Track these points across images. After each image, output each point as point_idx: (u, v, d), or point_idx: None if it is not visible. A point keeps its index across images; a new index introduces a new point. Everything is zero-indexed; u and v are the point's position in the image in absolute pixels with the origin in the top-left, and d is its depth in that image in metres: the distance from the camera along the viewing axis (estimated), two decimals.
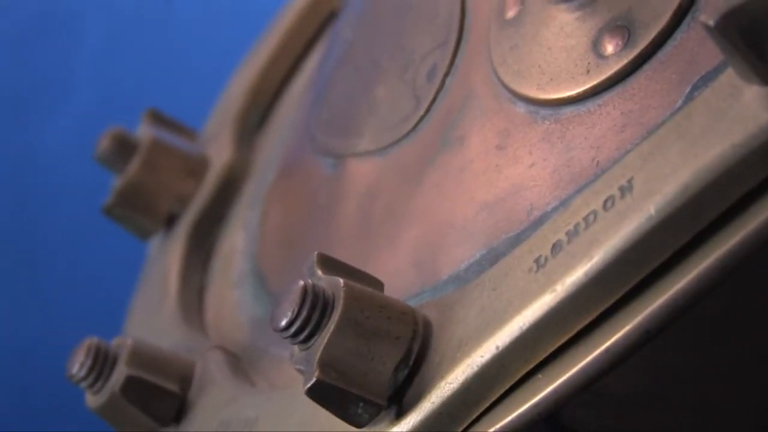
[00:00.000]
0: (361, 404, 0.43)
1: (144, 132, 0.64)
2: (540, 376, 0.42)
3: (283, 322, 0.43)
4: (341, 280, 0.43)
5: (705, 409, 0.46)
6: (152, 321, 0.60)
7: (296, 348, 0.44)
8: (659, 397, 0.45)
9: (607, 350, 0.40)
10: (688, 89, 0.42)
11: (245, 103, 0.66)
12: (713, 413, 0.47)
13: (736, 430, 0.48)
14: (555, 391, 0.41)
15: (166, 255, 0.62)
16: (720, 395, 0.47)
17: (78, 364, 0.53)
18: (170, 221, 0.64)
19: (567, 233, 0.41)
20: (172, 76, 1.17)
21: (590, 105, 0.46)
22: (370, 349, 0.43)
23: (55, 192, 1.12)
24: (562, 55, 0.46)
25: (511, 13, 0.48)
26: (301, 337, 0.43)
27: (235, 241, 0.61)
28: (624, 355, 0.40)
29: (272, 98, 0.68)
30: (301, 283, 0.43)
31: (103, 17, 1.27)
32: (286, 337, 0.43)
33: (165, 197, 0.63)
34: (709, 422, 0.47)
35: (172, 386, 0.53)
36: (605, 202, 0.41)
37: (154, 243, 0.65)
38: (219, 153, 0.64)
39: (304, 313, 0.43)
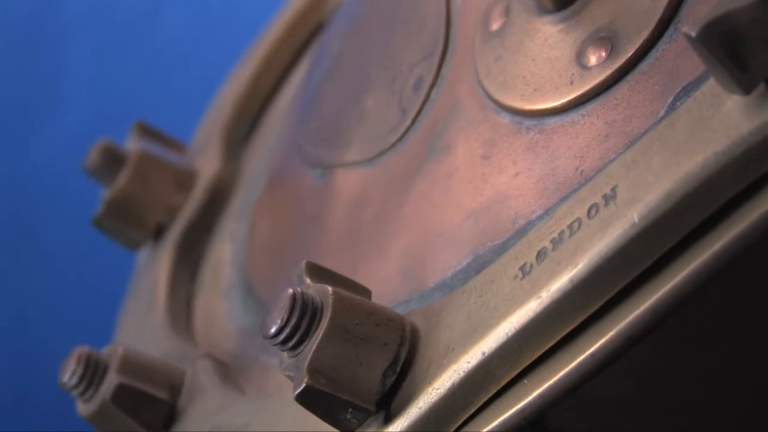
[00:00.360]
0: (350, 409, 0.43)
1: (132, 145, 0.64)
2: (526, 381, 0.42)
3: (273, 329, 0.43)
4: (330, 288, 0.43)
5: (691, 414, 0.46)
6: (141, 330, 0.60)
7: (285, 355, 0.44)
8: (645, 401, 0.45)
9: (591, 355, 0.40)
10: (670, 99, 0.42)
11: (233, 115, 0.66)
12: (699, 417, 0.47)
13: None
14: (540, 395, 0.41)
15: (155, 265, 0.62)
16: (706, 400, 0.47)
17: (69, 373, 0.53)
18: (159, 232, 0.64)
19: (552, 241, 0.42)
20: (162, 88, 1.17)
21: (574, 115, 0.46)
22: (358, 355, 0.43)
23: (46, 204, 1.12)
24: (546, 66, 0.46)
25: (495, 26, 0.48)
26: (291, 343, 0.43)
27: (223, 252, 0.61)
28: (608, 360, 0.40)
29: (260, 110, 0.68)
30: (290, 290, 0.43)
31: (93, 31, 1.27)
32: (276, 344, 0.43)
33: (153, 209, 0.63)
34: (696, 426, 0.47)
35: (162, 394, 0.53)
36: (589, 210, 0.41)
37: (143, 254, 0.65)
38: (207, 165, 0.64)
39: (294, 320, 0.43)
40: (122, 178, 0.63)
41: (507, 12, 0.48)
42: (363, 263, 0.50)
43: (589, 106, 0.45)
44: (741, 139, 0.38)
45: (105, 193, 0.64)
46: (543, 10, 0.46)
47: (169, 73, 1.17)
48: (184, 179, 0.64)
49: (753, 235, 0.39)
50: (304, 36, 0.69)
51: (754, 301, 0.43)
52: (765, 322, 0.44)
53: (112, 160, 0.64)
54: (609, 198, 0.41)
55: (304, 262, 0.45)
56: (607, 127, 0.45)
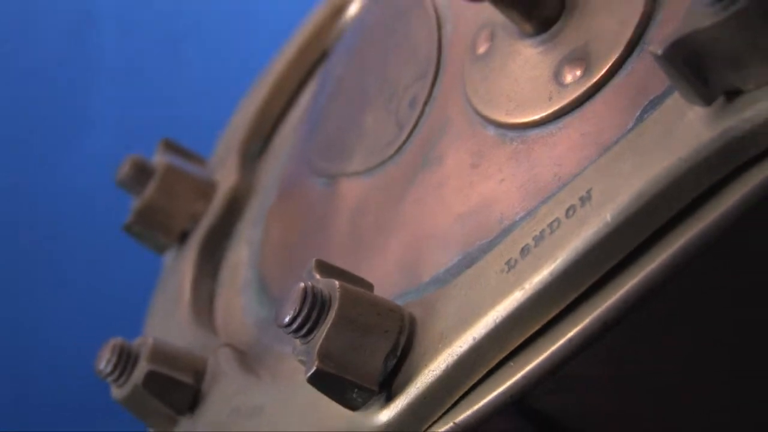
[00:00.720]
0: (356, 390, 0.43)
1: (159, 159, 0.64)
2: (512, 363, 0.41)
3: (287, 319, 0.43)
4: (337, 282, 0.43)
5: (664, 395, 0.46)
6: (168, 324, 0.60)
7: (298, 342, 0.43)
8: (620, 383, 0.45)
9: (569, 340, 0.40)
10: (638, 112, 0.42)
11: (248, 133, 0.66)
12: (672, 398, 0.46)
13: (700, 414, 0.47)
14: (524, 377, 0.41)
15: (180, 267, 0.62)
16: (677, 382, 0.46)
17: (105, 361, 0.53)
18: (183, 237, 0.63)
19: (534, 238, 0.41)
20: (183, 109, 1.17)
21: (552, 128, 0.45)
22: (362, 342, 0.43)
23: (83, 213, 1.12)
24: (527, 84, 0.46)
25: (482, 49, 0.48)
26: (303, 332, 0.43)
27: (241, 254, 0.61)
28: (584, 344, 0.40)
29: (272, 129, 0.67)
30: (302, 284, 0.43)
31: (121, 56, 1.26)
32: (289, 333, 0.43)
33: (178, 216, 0.63)
34: (670, 406, 0.47)
35: (188, 379, 0.53)
36: (567, 210, 0.41)
37: (169, 256, 0.65)
38: (225, 177, 0.64)
39: (305, 310, 0.43)
40: (150, 188, 0.63)
41: (492, 37, 0.48)
42: (365, 261, 0.50)
43: (566, 120, 0.45)
44: (702, 147, 0.38)
45: (134, 202, 0.64)
46: (524, 35, 0.46)
47: (190, 94, 1.17)
48: (206, 190, 0.64)
49: (713, 233, 0.39)
50: (310, 62, 0.69)
51: (717, 293, 0.43)
52: (728, 313, 0.44)
53: (141, 172, 0.63)
54: (584, 200, 0.40)
55: (314, 259, 0.45)
56: (582, 137, 0.44)
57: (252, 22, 1.11)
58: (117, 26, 1.26)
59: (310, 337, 0.43)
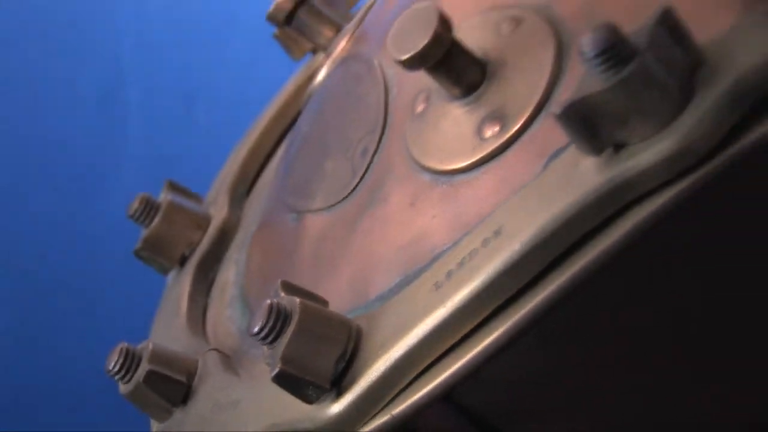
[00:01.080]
0: (312, 387, 0.42)
1: (163, 196, 0.63)
2: (438, 366, 0.41)
3: (256, 329, 0.43)
4: (298, 300, 0.43)
5: (568, 396, 0.45)
6: (168, 332, 0.59)
7: (266, 348, 0.43)
8: (529, 384, 0.45)
9: (484, 348, 0.40)
10: (545, 161, 0.41)
11: (237, 177, 0.66)
12: (577, 400, 0.46)
13: (601, 415, 0.47)
14: (447, 377, 0.41)
15: (179, 285, 0.61)
16: (580, 386, 0.46)
17: (113, 362, 0.52)
18: (182, 261, 0.63)
19: (457, 264, 0.41)
20: (194, 153, 1.16)
21: (475, 174, 0.45)
22: (317, 348, 0.42)
23: (103, 241, 1.11)
24: (454, 138, 0.46)
25: (419, 109, 0.48)
26: (269, 340, 0.43)
27: (228, 275, 0.60)
28: (496, 352, 0.40)
29: (256, 174, 0.67)
30: (269, 301, 0.43)
31: (147, 112, 1.26)
32: (258, 340, 0.43)
33: (178, 244, 0.62)
34: (574, 407, 0.46)
35: (181, 377, 0.52)
36: (484, 242, 0.40)
37: (171, 276, 0.64)
38: (218, 212, 0.63)
39: (270, 322, 0.43)
40: (156, 221, 0.62)
41: (428, 99, 0.47)
42: (324, 282, 0.49)
43: (486, 167, 0.45)
44: (592, 191, 0.38)
45: (143, 233, 0.63)
46: (453, 98, 0.46)
47: (199, 142, 1.17)
48: (201, 222, 0.63)
49: (601, 260, 0.38)
50: (288, 120, 0.68)
51: (608, 310, 0.42)
52: (619, 326, 0.43)
53: (149, 207, 0.63)
54: (497, 233, 0.40)
55: (281, 280, 0.45)
56: (499, 182, 0.44)
57: (251, 84, 1.10)
58: (141, 87, 1.26)
59: (274, 344, 0.43)
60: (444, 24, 0.44)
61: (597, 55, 0.37)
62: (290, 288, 0.44)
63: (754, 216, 0.42)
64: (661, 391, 0.45)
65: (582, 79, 0.38)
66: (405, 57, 0.44)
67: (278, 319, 0.43)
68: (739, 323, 0.44)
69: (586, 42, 0.37)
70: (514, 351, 0.40)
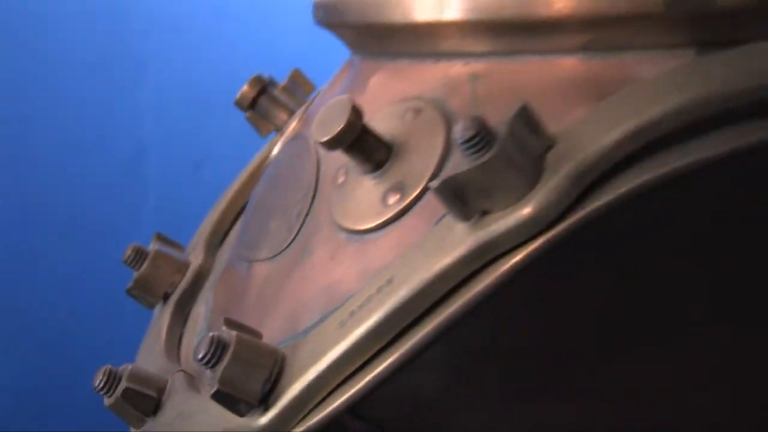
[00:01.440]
0: (243, 404, 0.42)
1: (152, 246, 0.63)
2: (343, 388, 0.41)
3: (200, 356, 0.43)
4: (234, 333, 0.43)
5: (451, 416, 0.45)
6: (150, 356, 0.59)
7: (208, 371, 0.42)
8: (419, 405, 0.45)
9: (376, 375, 0.40)
10: (433, 224, 0.41)
11: (212, 230, 0.65)
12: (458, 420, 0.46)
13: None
14: (348, 397, 0.41)
15: (161, 317, 0.61)
16: (459, 406, 0.46)
17: (98, 380, 0.52)
18: (165, 298, 0.62)
19: (358, 306, 0.41)
20: (202, 213, 1.16)
21: (380, 234, 0.45)
22: (248, 372, 0.42)
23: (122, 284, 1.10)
24: (365, 204, 0.46)
25: (340, 180, 0.48)
26: (210, 365, 0.42)
27: (200, 310, 0.60)
28: (387, 378, 0.40)
29: (228, 229, 0.67)
30: (211, 334, 0.43)
31: (162, 173, 1.26)
32: (202, 365, 0.42)
33: (162, 284, 0.62)
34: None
35: (152, 393, 0.52)
36: (378, 289, 0.41)
37: (156, 310, 0.64)
38: (195, 259, 0.63)
39: (211, 351, 0.42)
40: (145, 266, 0.62)
41: (347, 173, 0.47)
42: (266, 318, 0.49)
43: (388, 229, 0.45)
44: (463, 250, 0.38)
45: (134, 275, 0.63)
46: (365, 172, 0.46)
47: (201, 205, 1.17)
48: (181, 267, 0.63)
49: (470, 305, 0.39)
50: (253, 185, 0.68)
51: (478, 344, 0.42)
52: (491, 358, 0.44)
53: (140, 255, 0.62)
54: (390, 282, 0.40)
55: (224, 317, 0.45)
56: (397, 241, 0.44)
57: (248, 154, 1.10)
58: (158, 157, 1.26)
59: (215, 369, 0.43)
60: (356, 113, 0.44)
61: (465, 141, 0.38)
62: (231, 323, 0.44)
63: (598, 269, 0.42)
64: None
65: (454, 159, 0.38)
66: (324, 140, 0.44)
67: (218, 348, 0.43)
68: (574, 357, 0.44)
69: (458, 130, 0.38)
70: (402, 376, 0.40)
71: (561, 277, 0.41)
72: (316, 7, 0.53)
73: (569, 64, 0.44)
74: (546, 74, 0.44)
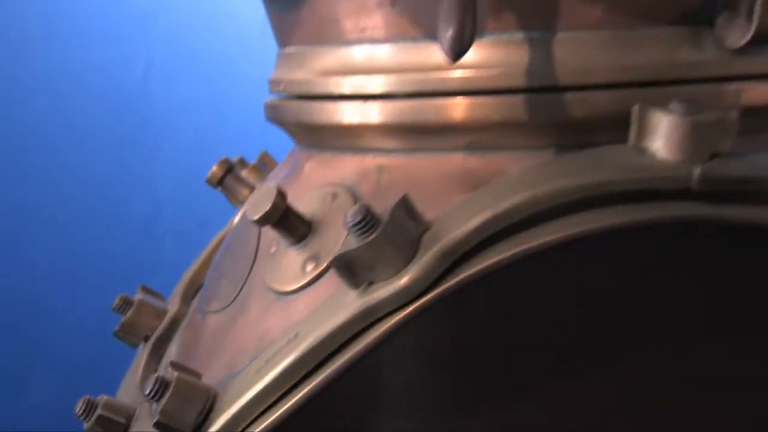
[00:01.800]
0: None
1: (137, 296, 0.64)
2: (259, 420, 0.42)
3: (146, 392, 0.43)
4: (176, 373, 0.44)
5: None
6: (128, 388, 0.60)
7: (154, 404, 0.43)
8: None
9: (284, 411, 0.41)
10: (339, 290, 0.42)
11: (188, 284, 0.66)
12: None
13: None
14: (264, 428, 0.41)
15: (140, 356, 0.62)
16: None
17: (78, 408, 0.53)
18: (146, 339, 0.63)
19: (272, 354, 0.42)
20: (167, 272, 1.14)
21: (299, 295, 0.46)
22: (184, 406, 0.43)
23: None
24: (289, 271, 0.47)
25: (272, 250, 0.49)
26: (155, 399, 0.43)
27: (172, 351, 0.60)
28: (294, 412, 0.41)
29: (199, 285, 0.68)
30: (156, 374, 0.44)
31: (176, 230, 1.26)
32: (149, 400, 0.43)
33: (144, 328, 0.63)
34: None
35: (121, 420, 0.52)
36: (288, 341, 0.42)
37: (138, 349, 0.65)
38: (172, 308, 0.64)
39: (156, 388, 0.44)
40: (129, 312, 0.63)
41: (278, 244, 0.49)
42: (212, 361, 0.49)
43: (305, 291, 0.46)
44: (351, 312, 0.39)
45: (121, 320, 0.64)
46: (290, 244, 0.47)
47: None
48: (160, 314, 0.64)
49: (356, 357, 0.40)
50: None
51: (371, 386, 0.43)
52: (380, 397, 0.44)
53: (126, 303, 0.63)
54: (296, 336, 0.42)
55: (170, 361, 0.46)
56: (312, 301, 0.45)
57: None
58: (172, 215, 1.27)
59: (158, 403, 0.44)
60: (281, 196, 0.45)
61: (354, 224, 0.39)
62: (176, 365, 0.45)
63: (467, 330, 0.43)
64: None
65: (346, 239, 0.40)
66: (255, 218, 0.46)
67: (161, 386, 0.44)
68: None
69: (349, 215, 0.39)
70: (309, 412, 0.41)
71: (456, 327, 0.42)
72: (265, 107, 0.55)
73: (454, 161, 0.46)
74: (435, 168, 0.46)
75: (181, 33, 1.17)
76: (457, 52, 0.38)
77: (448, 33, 0.38)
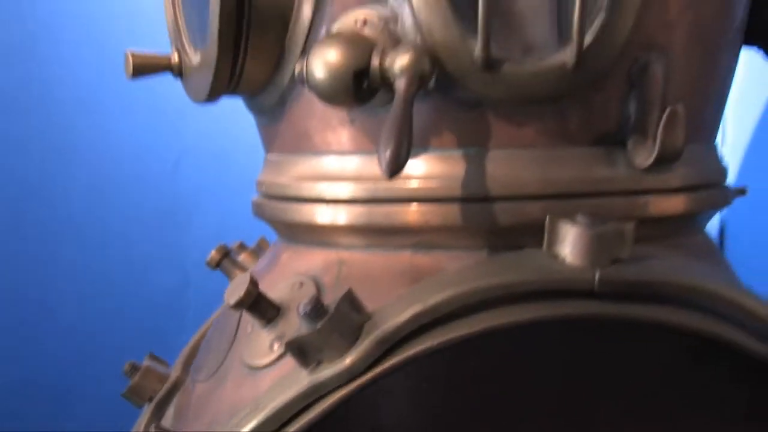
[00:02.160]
0: None
1: (145, 362, 0.67)
2: None
3: None
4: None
5: None
6: None
7: None
8: None
9: None
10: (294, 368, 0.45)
11: (189, 352, 0.67)
12: None
13: None
14: None
15: (145, 414, 0.64)
16: None
17: None
18: (150, 400, 0.66)
19: (239, 420, 0.45)
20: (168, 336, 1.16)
21: (267, 370, 0.48)
22: None
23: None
24: (260, 347, 0.50)
25: (249, 330, 0.52)
26: None
27: (170, 412, 0.63)
28: None
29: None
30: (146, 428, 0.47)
31: (204, 303, 1.27)
32: None
33: (149, 391, 0.65)
34: None
35: None
36: (250, 410, 0.45)
37: (144, 409, 0.67)
38: (174, 373, 0.66)
39: None
40: (137, 377, 0.66)
41: (253, 325, 0.51)
42: (195, 423, 0.52)
43: (272, 367, 0.48)
44: (301, 388, 0.43)
45: (130, 382, 0.66)
46: (262, 326, 0.50)
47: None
48: (164, 378, 0.66)
49: (304, 427, 0.43)
50: None
51: None
52: None
53: (134, 368, 0.66)
54: (257, 406, 0.45)
55: (154, 424, 0.48)
56: (276, 375, 0.48)
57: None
58: (199, 289, 1.29)
59: None
60: (253, 284, 0.49)
61: (305, 314, 0.43)
62: (159, 428, 0.49)
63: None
64: None
65: (299, 325, 0.43)
66: (231, 303, 0.49)
67: None
68: None
69: (301, 305, 0.43)
70: None
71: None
72: (252, 204, 0.59)
73: (403, 258, 0.49)
74: (386, 264, 0.49)
75: (209, 127, 1.22)
76: (393, 170, 0.41)
77: (386, 153, 0.42)
